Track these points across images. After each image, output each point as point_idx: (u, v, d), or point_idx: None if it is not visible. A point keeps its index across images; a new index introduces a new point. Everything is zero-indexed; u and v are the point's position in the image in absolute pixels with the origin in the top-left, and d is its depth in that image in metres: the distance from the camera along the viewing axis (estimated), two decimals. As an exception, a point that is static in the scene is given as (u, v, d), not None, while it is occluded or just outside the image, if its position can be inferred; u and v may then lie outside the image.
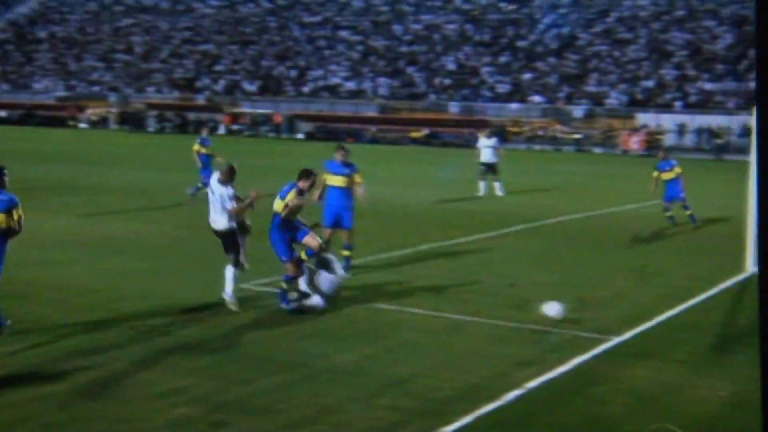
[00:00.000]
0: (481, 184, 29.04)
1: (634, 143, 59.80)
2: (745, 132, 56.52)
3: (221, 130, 72.30)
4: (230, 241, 12.54)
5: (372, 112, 73.39)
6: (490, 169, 29.21)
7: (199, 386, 9.00)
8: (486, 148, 29.46)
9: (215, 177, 12.81)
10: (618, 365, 10.06)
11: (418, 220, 22.54)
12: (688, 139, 62.21)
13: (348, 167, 15.24)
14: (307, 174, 12.85)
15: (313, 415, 8.25)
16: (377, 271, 15.42)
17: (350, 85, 79.51)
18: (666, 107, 65.73)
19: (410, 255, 17.10)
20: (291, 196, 12.59)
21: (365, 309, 12.57)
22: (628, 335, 11.36)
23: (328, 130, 68.07)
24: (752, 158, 16.38)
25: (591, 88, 71.28)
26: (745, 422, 8.31)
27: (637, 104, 66.73)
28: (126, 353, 10.05)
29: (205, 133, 26.88)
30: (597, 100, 69.93)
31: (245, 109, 76.09)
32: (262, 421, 8.08)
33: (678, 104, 66.13)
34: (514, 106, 69.88)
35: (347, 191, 15.13)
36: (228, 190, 12.44)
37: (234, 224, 12.57)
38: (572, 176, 38.88)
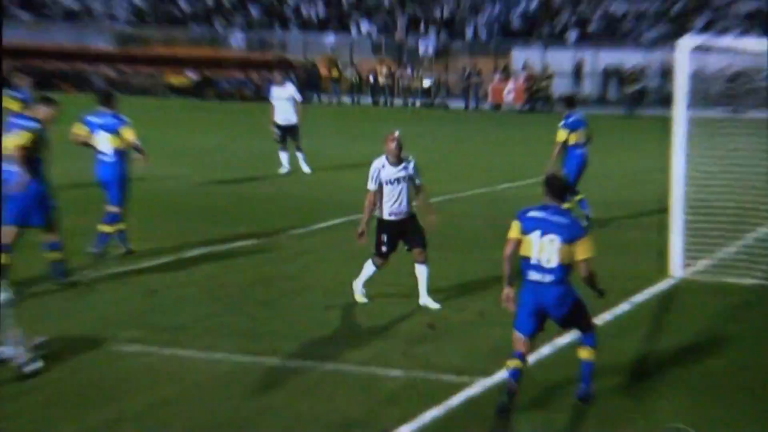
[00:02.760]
0: (283, 157, 28.95)
1: (508, 94, 61.25)
2: (665, 74, 58.34)
3: None
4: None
5: (106, 45, 71.95)
6: (289, 132, 29.06)
7: None
8: (281, 101, 29.23)
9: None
10: (487, 420, 10.27)
11: (185, 213, 22.32)
12: (587, 86, 64.00)
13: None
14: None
15: None
16: (121, 293, 15.22)
17: (69, 3, 77.42)
18: (555, 39, 67.57)
19: (172, 265, 16.93)
20: None
21: (101, 353, 12.33)
22: (499, 375, 11.58)
23: (35, 72, 66.14)
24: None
25: (443, 14, 72.36)
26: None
27: (512, 35, 68.33)
28: None
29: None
30: (453, 30, 70.98)
31: None
32: None
33: (572, 35, 68.16)
34: (329, 38, 70.09)
35: None
36: None
37: None
38: (417, 142, 39.44)
